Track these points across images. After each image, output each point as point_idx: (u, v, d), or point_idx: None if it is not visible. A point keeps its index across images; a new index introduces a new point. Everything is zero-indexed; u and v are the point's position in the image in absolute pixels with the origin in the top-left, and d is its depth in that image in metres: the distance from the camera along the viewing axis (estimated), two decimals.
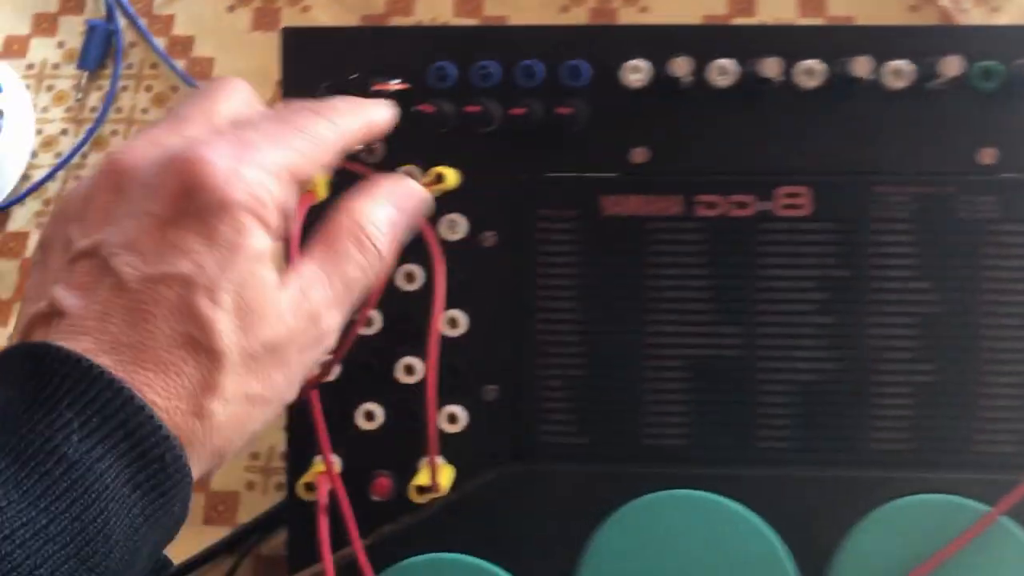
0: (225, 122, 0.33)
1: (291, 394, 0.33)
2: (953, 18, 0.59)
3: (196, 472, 0.30)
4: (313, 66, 0.45)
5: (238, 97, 0.34)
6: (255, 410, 0.31)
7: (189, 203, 0.29)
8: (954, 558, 0.43)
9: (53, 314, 0.30)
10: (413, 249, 0.44)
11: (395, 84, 0.44)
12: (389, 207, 0.34)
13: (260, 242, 0.30)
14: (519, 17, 0.62)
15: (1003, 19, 0.62)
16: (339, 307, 0.33)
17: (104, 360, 0.28)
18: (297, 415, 0.47)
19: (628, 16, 0.61)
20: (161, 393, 0.28)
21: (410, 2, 0.62)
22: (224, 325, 0.29)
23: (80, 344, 0.28)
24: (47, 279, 0.31)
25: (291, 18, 0.65)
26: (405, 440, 0.46)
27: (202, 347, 0.29)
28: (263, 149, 0.31)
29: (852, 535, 0.44)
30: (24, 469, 0.26)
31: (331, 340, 0.33)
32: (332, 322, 0.33)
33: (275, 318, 0.30)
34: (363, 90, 0.43)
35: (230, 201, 0.29)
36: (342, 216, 0.34)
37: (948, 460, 0.45)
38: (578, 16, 0.61)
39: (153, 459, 0.27)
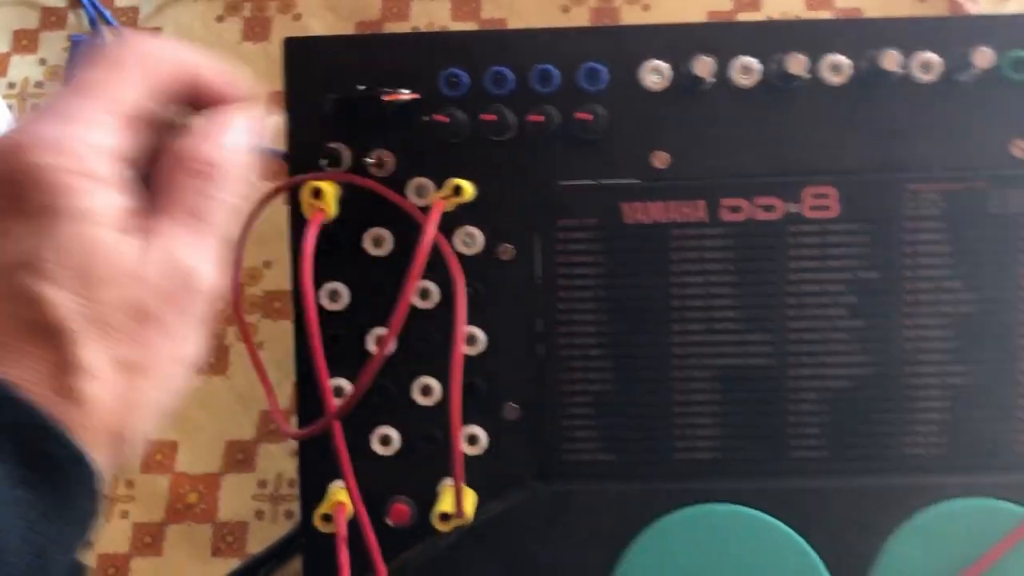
0: None
1: (184, 358, 0.29)
2: (962, 8, 0.58)
3: (98, 459, 0.27)
4: (317, 77, 0.43)
5: None
6: (138, 380, 0.28)
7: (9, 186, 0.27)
8: (996, 563, 0.42)
9: None
10: (428, 265, 0.42)
11: (406, 94, 0.42)
12: (224, 132, 0.31)
13: (84, 201, 0.27)
14: (518, 20, 0.60)
15: (1010, 7, 0.61)
16: (208, 252, 0.30)
17: None
18: (308, 442, 0.45)
19: (631, 15, 0.59)
20: (23, 385, 0.26)
21: (405, 8, 0.60)
22: (57, 297, 0.26)
23: None
24: None
25: (283, 27, 0.63)
26: (423, 464, 0.44)
27: (42, 327, 0.26)
28: (65, 105, 0.28)
29: (890, 544, 0.43)
30: None
31: (216, 291, 0.30)
32: (208, 270, 0.29)
33: (124, 277, 0.27)
34: (372, 101, 0.41)
35: (30, 165, 0.27)
36: (170, 162, 0.30)
37: (985, 463, 0.43)
38: (580, 17, 0.59)
39: (39, 455, 0.25)
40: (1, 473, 0.24)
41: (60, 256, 0.27)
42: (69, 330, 0.26)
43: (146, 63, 0.30)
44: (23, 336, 0.26)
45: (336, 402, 0.40)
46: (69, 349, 0.26)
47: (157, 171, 0.30)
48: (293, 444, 0.55)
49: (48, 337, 0.26)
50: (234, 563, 0.53)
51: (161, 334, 0.28)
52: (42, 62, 0.64)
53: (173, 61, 0.31)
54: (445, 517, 0.42)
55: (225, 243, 0.30)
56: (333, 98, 0.42)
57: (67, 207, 0.27)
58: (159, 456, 0.55)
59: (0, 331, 0.26)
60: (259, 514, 0.54)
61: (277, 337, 0.56)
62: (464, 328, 0.39)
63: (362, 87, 0.42)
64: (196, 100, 0.32)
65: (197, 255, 0.29)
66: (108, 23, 0.63)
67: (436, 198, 0.41)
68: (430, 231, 0.37)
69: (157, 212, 0.29)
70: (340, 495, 0.43)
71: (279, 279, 0.56)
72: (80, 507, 0.26)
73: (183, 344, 0.29)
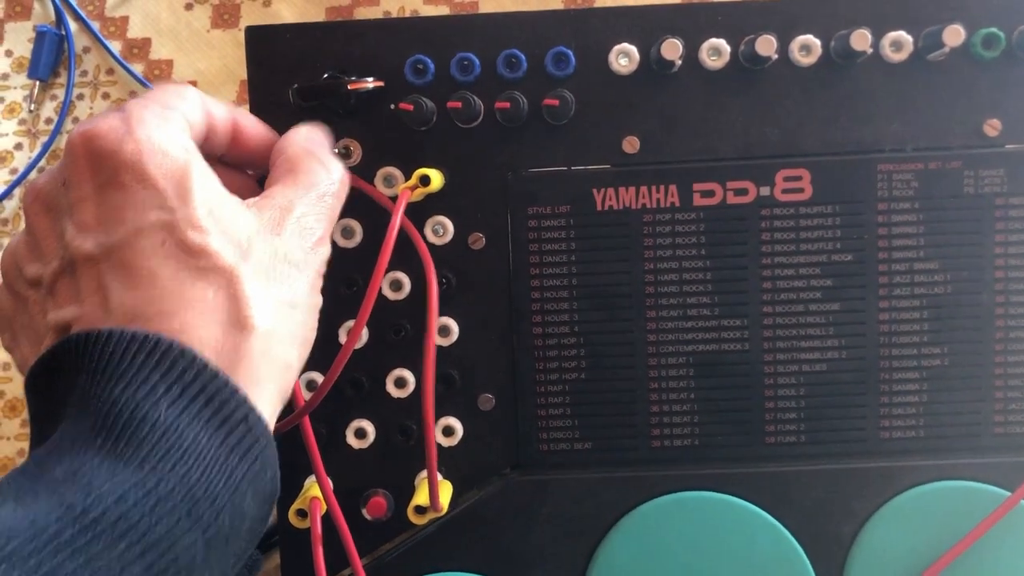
0: None
1: (316, 298, 0.34)
2: None
3: (278, 399, 0.31)
4: (281, 66, 0.42)
5: None
6: (294, 313, 0.32)
7: (103, 168, 0.30)
8: (976, 545, 0.42)
9: (59, 333, 0.30)
10: (399, 256, 0.42)
11: (371, 82, 0.41)
12: (314, 132, 0.39)
13: (202, 167, 0.31)
14: (492, 4, 0.59)
15: None
16: (319, 219, 0.35)
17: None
18: (283, 437, 0.44)
19: None
20: (201, 326, 0.29)
21: None
22: (219, 245, 0.30)
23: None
24: (32, 323, 0.32)
25: (252, 14, 0.62)
26: (399, 456, 0.44)
27: (212, 270, 0.30)
28: (137, 105, 0.33)
29: (868, 528, 0.43)
30: (120, 441, 0.26)
31: (327, 247, 0.35)
32: (317, 232, 0.34)
33: (256, 223, 0.32)
34: (337, 89, 0.40)
35: (143, 140, 0.30)
36: (289, 147, 0.37)
37: (963, 445, 0.43)
38: (554, 0, 0.58)
39: (237, 422, 0.28)
40: (211, 438, 0.27)
41: (208, 214, 0.30)
42: (236, 269, 0.30)
43: (201, 100, 0.35)
44: (198, 282, 0.29)
45: (307, 396, 0.40)
46: (239, 287, 0.30)
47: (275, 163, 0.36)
48: None
49: (219, 278, 0.30)
50: None
51: (299, 272, 0.33)
52: (8, 54, 0.62)
53: (220, 107, 0.36)
54: (420, 510, 0.42)
55: (327, 211, 0.36)
56: (295, 88, 0.41)
57: (193, 172, 0.31)
58: None
59: (166, 285, 0.29)
60: None
61: None
62: (436, 318, 0.38)
63: (326, 75, 0.42)
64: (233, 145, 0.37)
65: (309, 213, 0.34)
66: (75, 13, 0.62)
67: (403, 188, 0.40)
68: (396, 221, 0.37)
69: (270, 185, 0.35)
70: (315, 490, 0.42)
71: None
72: (267, 480, 0.30)
73: (314, 284, 0.34)
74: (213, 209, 0.31)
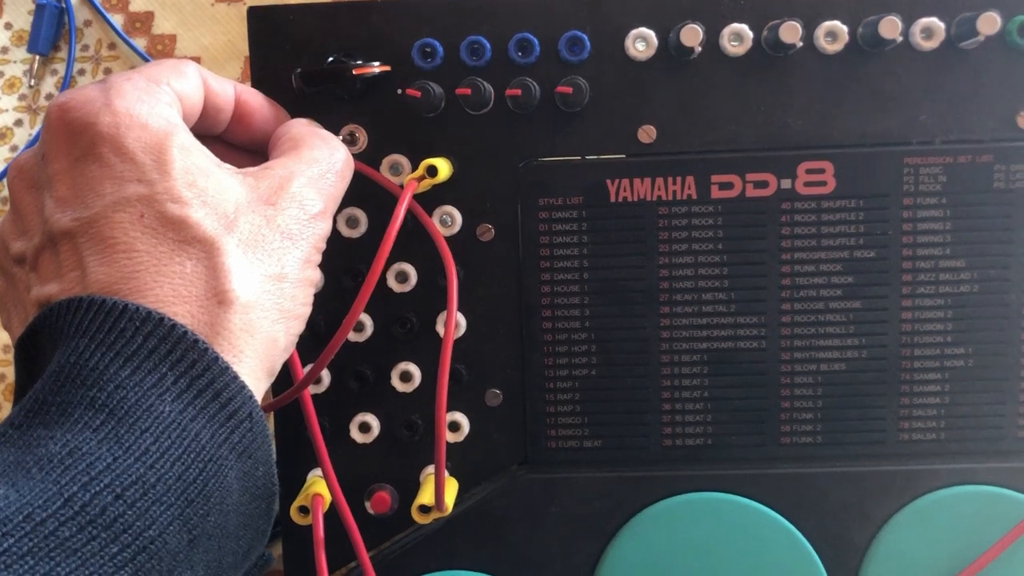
0: None
1: (310, 272, 0.32)
2: None
3: (263, 374, 0.30)
4: (284, 49, 0.41)
5: None
6: (282, 286, 0.31)
7: (80, 141, 0.30)
8: (1002, 556, 0.41)
9: (41, 309, 0.29)
10: (405, 247, 0.41)
11: (377, 67, 0.39)
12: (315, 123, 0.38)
13: (182, 137, 0.30)
14: None
15: None
16: (320, 193, 0.33)
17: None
18: (286, 430, 0.43)
19: None
20: (177, 300, 0.28)
21: None
22: (200, 216, 0.29)
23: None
24: (20, 300, 0.31)
25: None
26: (404, 451, 0.43)
27: (191, 241, 0.29)
28: (120, 77, 0.32)
29: (885, 532, 0.42)
30: (122, 425, 0.26)
31: (326, 223, 0.33)
32: (316, 205, 0.33)
33: (247, 193, 0.31)
34: (342, 74, 0.39)
35: (119, 113, 0.30)
36: (293, 127, 0.36)
37: (985, 449, 0.42)
38: None
39: (242, 419, 0.27)
40: (214, 435, 0.27)
41: (189, 185, 0.29)
42: (217, 240, 0.29)
43: (200, 76, 0.34)
44: (176, 255, 0.28)
45: (310, 388, 0.39)
46: (220, 259, 0.29)
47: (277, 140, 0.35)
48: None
49: (198, 250, 0.29)
50: None
51: (292, 247, 0.31)
52: (8, 26, 0.61)
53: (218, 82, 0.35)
54: (425, 509, 0.41)
55: (327, 186, 0.34)
56: (298, 73, 0.40)
57: (174, 144, 0.30)
58: None
59: (142, 260, 0.28)
60: None
61: None
62: (455, 308, 0.37)
63: (331, 59, 0.40)
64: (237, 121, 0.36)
65: (306, 184, 0.33)
66: None
67: (410, 179, 0.38)
68: (400, 211, 0.35)
69: (272, 156, 0.34)
70: (317, 486, 0.41)
71: None
72: (259, 479, 0.29)
73: (308, 256, 0.32)
74: (196, 180, 0.30)
